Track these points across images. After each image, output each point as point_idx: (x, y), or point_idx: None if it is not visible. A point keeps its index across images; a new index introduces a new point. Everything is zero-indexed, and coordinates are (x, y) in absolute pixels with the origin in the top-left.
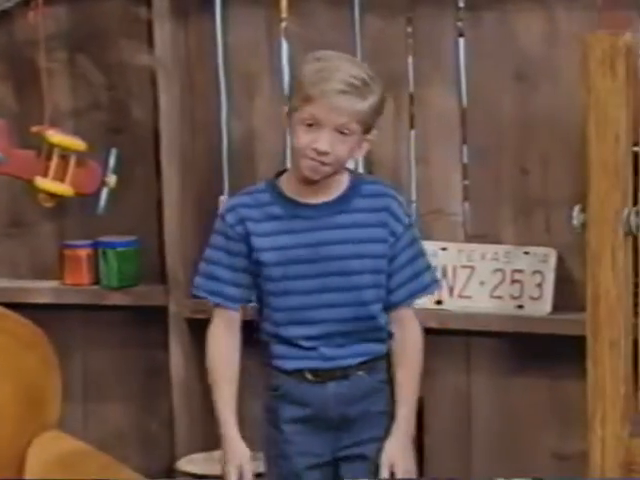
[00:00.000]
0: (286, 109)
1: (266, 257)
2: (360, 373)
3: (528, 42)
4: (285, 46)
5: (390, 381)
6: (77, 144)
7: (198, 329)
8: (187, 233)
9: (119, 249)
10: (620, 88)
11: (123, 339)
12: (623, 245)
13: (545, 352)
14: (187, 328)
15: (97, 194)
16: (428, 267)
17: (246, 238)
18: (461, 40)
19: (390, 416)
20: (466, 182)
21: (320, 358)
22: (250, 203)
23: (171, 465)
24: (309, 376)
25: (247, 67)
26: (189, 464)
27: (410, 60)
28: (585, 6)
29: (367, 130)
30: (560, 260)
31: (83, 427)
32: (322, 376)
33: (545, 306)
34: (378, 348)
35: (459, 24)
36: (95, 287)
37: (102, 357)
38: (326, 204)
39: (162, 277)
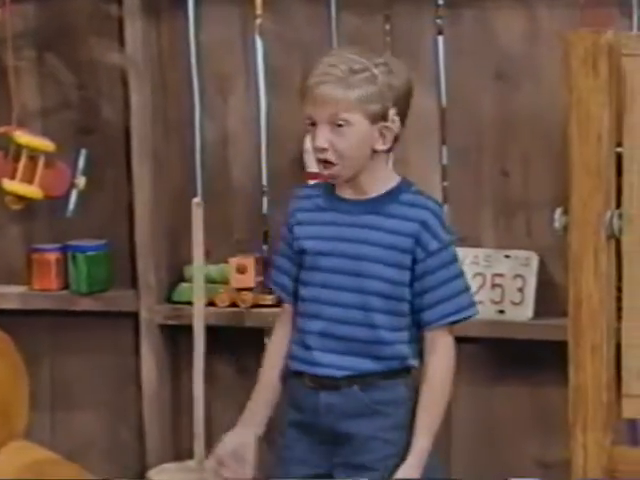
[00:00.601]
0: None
1: (301, 245)
2: (354, 388)
3: (509, 40)
4: (260, 44)
5: (402, 403)
6: (46, 145)
7: (171, 335)
8: (159, 236)
9: (89, 253)
10: (602, 87)
11: (93, 346)
12: (605, 248)
13: (526, 358)
14: (159, 334)
15: (66, 196)
16: (465, 289)
17: (292, 228)
18: (440, 38)
19: (389, 443)
20: (445, 184)
21: (313, 363)
22: (306, 195)
23: (142, 475)
24: (307, 381)
25: (221, 66)
26: (160, 474)
27: None
28: (567, 3)
29: (378, 119)
30: (542, 264)
31: (51, 436)
32: (315, 382)
33: (526, 311)
34: (375, 366)
35: (438, 21)
36: (64, 292)
37: (71, 364)
38: (360, 202)
39: (133, 282)
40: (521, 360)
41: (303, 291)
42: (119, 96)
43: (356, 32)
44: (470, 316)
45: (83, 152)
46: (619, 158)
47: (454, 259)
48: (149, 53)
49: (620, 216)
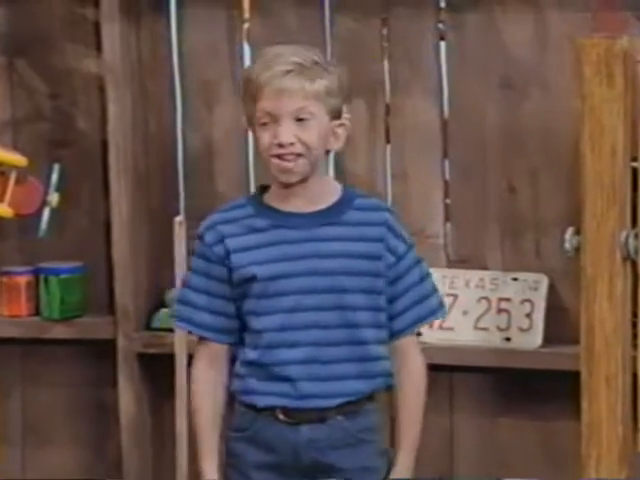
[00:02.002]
0: (244, 122)
1: (247, 272)
2: (339, 418)
3: (516, 46)
4: (248, 50)
5: (383, 427)
6: (17, 159)
7: (150, 365)
8: (138, 258)
9: (62, 276)
10: (617, 96)
11: (67, 376)
12: (621, 271)
13: (535, 389)
14: (138, 364)
15: (38, 214)
16: (435, 290)
17: (225, 258)
18: (442, 44)
19: (375, 472)
20: (448, 201)
21: (295, 395)
22: (229, 218)
23: None
24: (281, 416)
25: (206, 73)
26: None
27: (386, 65)
28: (578, 7)
29: (335, 116)
30: (552, 287)
31: (22, 473)
32: (295, 417)
33: (535, 338)
34: (365, 386)
35: (440, 26)
36: (35, 318)
37: (43, 396)
38: (314, 214)
39: (110, 307)
40: (529, 391)
41: (256, 322)
42: (96, 106)
43: (352, 37)
44: (439, 318)
45: (57, 167)
46: (635, 173)
47: (419, 259)
48: (128, 60)
49: (636, 236)
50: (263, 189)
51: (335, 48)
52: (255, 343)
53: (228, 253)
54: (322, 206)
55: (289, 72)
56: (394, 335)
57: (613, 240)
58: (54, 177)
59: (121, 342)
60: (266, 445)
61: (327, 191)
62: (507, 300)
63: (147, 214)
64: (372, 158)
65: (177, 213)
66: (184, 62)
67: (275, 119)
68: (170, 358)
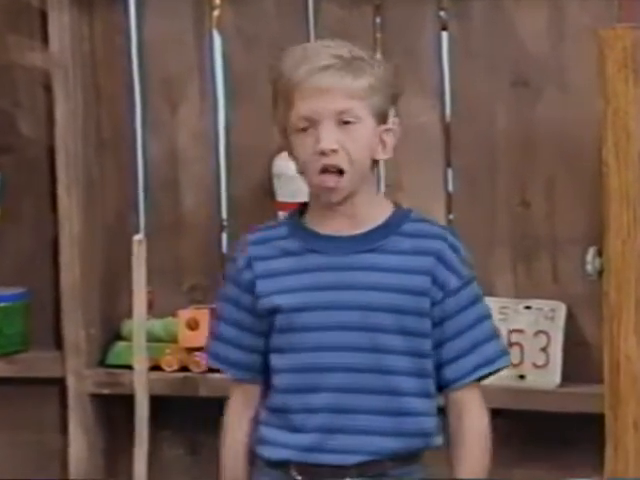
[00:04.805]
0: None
1: (270, 302)
2: (364, 479)
3: (529, 38)
4: (218, 41)
5: None
6: None
7: (105, 407)
8: (90, 283)
9: (2, 304)
10: None
11: (8, 420)
12: None
13: (553, 435)
14: (90, 406)
15: None
16: (495, 334)
17: (252, 285)
18: (444, 35)
19: None
20: (451, 216)
21: (310, 447)
22: (263, 239)
23: None
24: (296, 473)
25: (169, 69)
26: None
27: None
28: None
29: (382, 120)
30: (570, 317)
31: None
32: (310, 474)
33: (552, 376)
34: (395, 445)
35: (442, 14)
36: None
37: None
38: (352, 238)
39: (57, 341)
40: (546, 438)
41: (280, 360)
42: (41, 106)
43: (339, 27)
44: (502, 368)
45: None
46: None
47: (478, 298)
48: (79, 53)
49: None
50: (304, 207)
51: (320, 39)
52: (275, 385)
53: (255, 279)
54: (363, 229)
55: (329, 67)
56: (445, 387)
57: None
58: None
59: (71, 381)
60: None
61: (375, 212)
62: (519, 332)
63: (101, 232)
64: None
65: (136, 231)
66: (144, 55)
67: (315, 123)
68: (128, 399)
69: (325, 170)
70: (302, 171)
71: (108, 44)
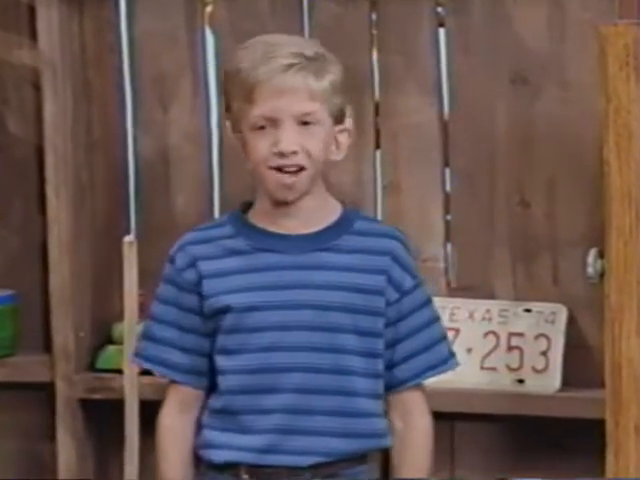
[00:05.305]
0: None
1: (219, 302)
2: None
3: (529, 34)
4: (211, 38)
5: None
6: None
7: (95, 413)
8: (80, 286)
9: None
10: None
11: None
12: None
13: (552, 441)
14: (80, 411)
15: None
16: (444, 336)
17: (197, 285)
18: (441, 31)
19: None
20: (449, 217)
21: (263, 449)
22: (204, 238)
23: None
24: (245, 475)
25: (161, 67)
26: None
27: (375, 57)
28: None
29: (338, 120)
30: (571, 320)
31: None
32: (263, 476)
33: (552, 381)
34: (348, 446)
35: (439, 10)
36: None
37: None
38: (306, 237)
39: (46, 344)
40: (545, 443)
41: (226, 361)
42: (30, 105)
43: (334, 23)
44: (449, 370)
45: None
46: None
47: (429, 299)
48: (68, 50)
49: None
50: (247, 206)
51: (315, 36)
52: (223, 387)
53: (201, 279)
54: (316, 228)
55: (292, 66)
56: (393, 387)
57: None
58: None
59: (60, 386)
60: None
61: (325, 211)
62: (519, 335)
63: (91, 233)
64: (359, 167)
65: (127, 232)
66: (135, 53)
67: (275, 123)
68: (118, 405)
69: (281, 169)
70: (255, 168)
71: (98, 41)
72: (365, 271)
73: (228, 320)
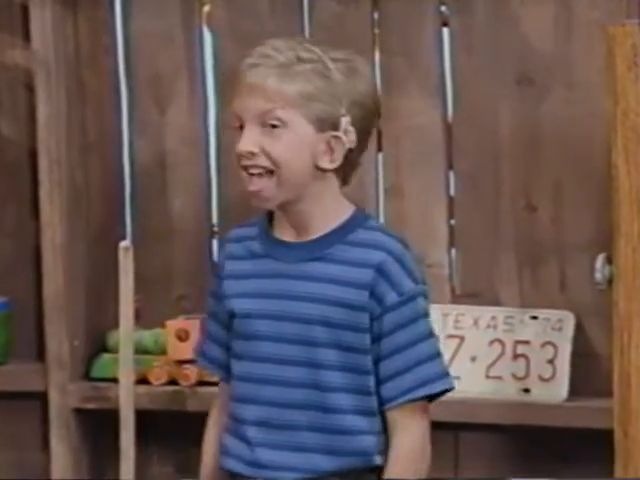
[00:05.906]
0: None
1: (228, 306)
2: None
3: (534, 34)
4: (209, 38)
5: None
6: None
7: (90, 423)
8: (75, 293)
9: None
10: None
11: None
12: None
13: (559, 451)
14: (74, 421)
15: None
16: (434, 355)
17: (222, 283)
18: (445, 31)
19: None
20: (453, 222)
21: (253, 462)
22: (240, 236)
23: None
24: None
25: (157, 67)
26: None
27: (377, 57)
28: None
29: (324, 127)
30: (579, 327)
31: None
32: None
33: (559, 390)
34: (329, 464)
35: (442, 9)
36: None
37: None
38: (303, 244)
39: (40, 352)
40: (552, 454)
41: (236, 367)
42: (23, 107)
43: (335, 23)
44: (443, 391)
45: None
46: None
47: (420, 315)
48: (62, 51)
49: None
50: None
51: (315, 36)
52: (230, 391)
53: (224, 278)
54: (317, 234)
55: (257, 66)
56: (381, 405)
57: None
58: None
59: (53, 395)
60: None
61: (329, 216)
62: (525, 343)
63: (86, 238)
64: (360, 169)
65: (122, 237)
66: (130, 53)
67: (244, 122)
68: (113, 414)
69: (246, 172)
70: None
71: (93, 41)
72: (349, 284)
73: (234, 324)
